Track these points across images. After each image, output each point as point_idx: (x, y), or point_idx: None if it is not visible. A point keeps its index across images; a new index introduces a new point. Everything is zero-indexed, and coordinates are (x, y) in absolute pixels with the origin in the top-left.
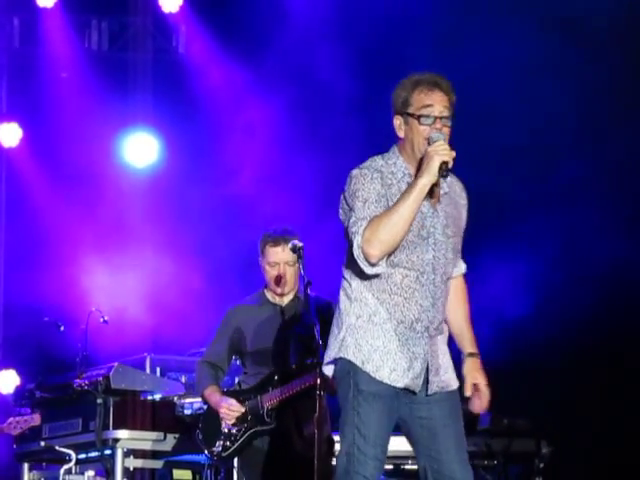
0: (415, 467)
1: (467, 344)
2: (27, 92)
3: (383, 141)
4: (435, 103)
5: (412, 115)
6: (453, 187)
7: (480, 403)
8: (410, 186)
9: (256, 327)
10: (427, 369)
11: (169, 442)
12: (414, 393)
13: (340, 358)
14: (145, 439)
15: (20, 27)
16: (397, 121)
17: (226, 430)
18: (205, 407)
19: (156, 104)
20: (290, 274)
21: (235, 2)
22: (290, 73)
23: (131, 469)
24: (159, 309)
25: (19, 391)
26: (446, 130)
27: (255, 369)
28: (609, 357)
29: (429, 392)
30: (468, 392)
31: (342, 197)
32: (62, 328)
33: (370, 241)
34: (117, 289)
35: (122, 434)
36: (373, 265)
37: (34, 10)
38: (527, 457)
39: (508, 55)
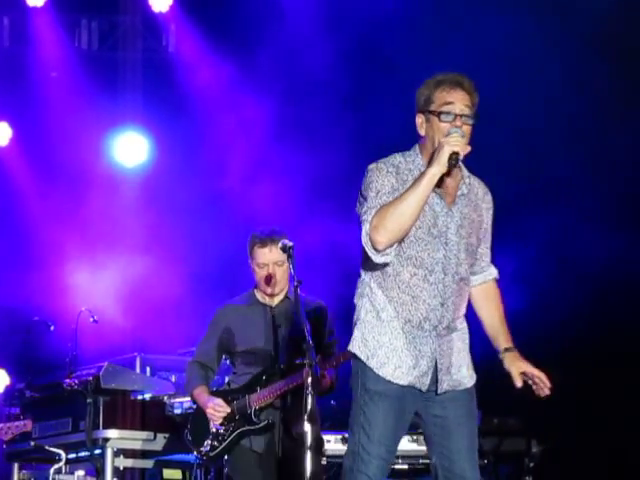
0: (405, 467)
1: (502, 341)
2: (17, 91)
3: (373, 138)
4: (456, 101)
5: (433, 112)
6: (474, 190)
7: (541, 385)
8: (419, 175)
9: (245, 327)
10: (437, 368)
11: (159, 442)
12: (421, 391)
13: (352, 355)
14: (135, 439)
15: (10, 26)
16: (419, 119)
17: (214, 430)
18: (195, 407)
19: (146, 103)
20: (280, 274)
21: (224, 1)
22: (279, 71)
23: (121, 468)
24: (148, 308)
25: (9, 391)
26: (466, 128)
27: (244, 369)
28: (600, 356)
29: (439, 391)
30: (519, 383)
31: (359, 192)
32: (52, 328)
33: (377, 228)
34: (106, 288)
35: (112, 434)
36: (380, 252)
37: (24, 9)
38: (517, 456)
39: (499, 50)
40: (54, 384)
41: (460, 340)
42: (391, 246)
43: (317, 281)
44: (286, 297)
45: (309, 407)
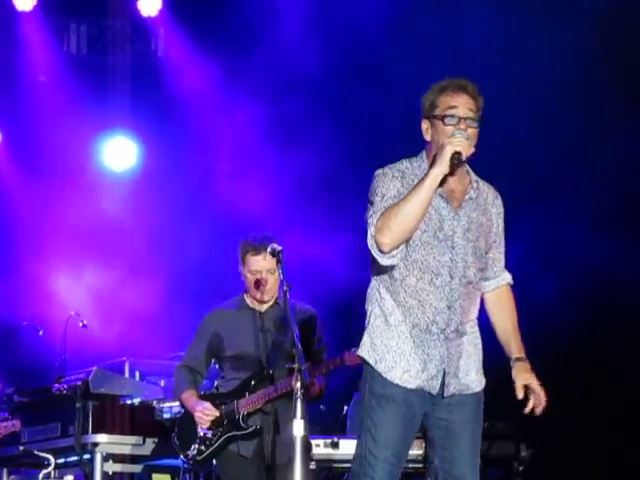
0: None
1: (514, 350)
2: (5, 96)
3: (363, 142)
4: (460, 105)
5: (437, 117)
6: (483, 194)
7: (537, 402)
8: (422, 177)
9: (234, 332)
10: (445, 371)
11: (148, 446)
12: (430, 394)
13: (362, 360)
14: (124, 443)
15: None
16: (424, 125)
17: (201, 434)
18: (183, 411)
19: (135, 108)
20: (272, 281)
21: (214, 6)
22: (267, 75)
23: (110, 473)
24: (137, 313)
25: None
26: (471, 131)
27: (233, 374)
28: (589, 359)
29: (445, 394)
30: (520, 395)
31: (367, 199)
32: (41, 332)
33: (381, 229)
34: (94, 293)
35: (101, 438)
36: (385, 254)
37: (12, 13)
38: (506, 460)
39: (487, 51)
40: (43, 389)
41: (471, 344)
42: (396, 248)
43: (306, 286)
44: (276, 303)
45: (299, 411)
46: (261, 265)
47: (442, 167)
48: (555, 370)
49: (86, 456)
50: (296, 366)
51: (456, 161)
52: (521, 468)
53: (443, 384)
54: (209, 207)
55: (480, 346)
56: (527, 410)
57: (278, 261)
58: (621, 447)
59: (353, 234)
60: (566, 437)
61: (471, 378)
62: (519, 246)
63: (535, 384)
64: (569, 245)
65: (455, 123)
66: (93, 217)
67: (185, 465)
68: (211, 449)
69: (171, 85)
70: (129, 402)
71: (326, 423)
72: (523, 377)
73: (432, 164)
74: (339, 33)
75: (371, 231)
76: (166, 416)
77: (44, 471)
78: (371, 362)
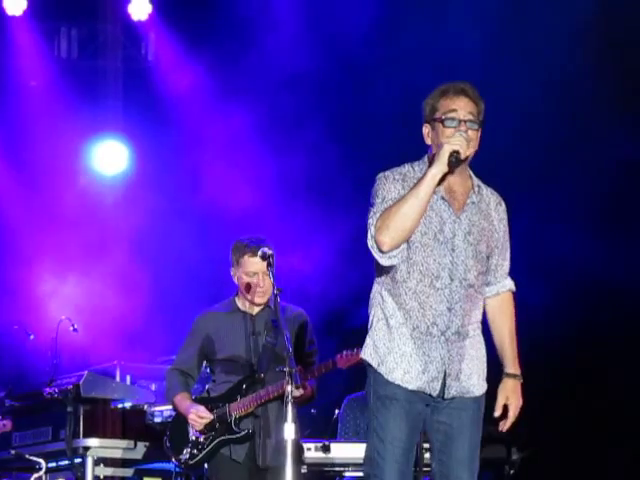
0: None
1: (507, 364)
2: None
3: (354, 143)
4: (460, 108)
5: (438, 120)
6: (486, 199)
7: (503, 424)
8: (421, 176)
9: (226, 335)
10: (446, 373)
11: (139, 450)
12: (431, 396)
13: (365, 362)
14: (115, 447)
15: None
16: (425, 129)
17: (194, 438)
18: (174, 414)
19: (125, 112)
20: (268, 284)
21: (204, 10)
22: (258, 79)
23: (101, 477)
24: (128, 316)
25: None
26: (471, 133)
27: (224, 377)
28: (579, 362)
29: (446, 396)
30: (497, 412)
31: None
32: (32, 337)
33: (380, 229)
34: (85, 297)
35: (92, 442)
36: (385, 253)
37: (2, 18)
38: (498, 464)
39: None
40: (34, 393)
41: (473, 348)
42: (396, 247)
43: (296, 288)
44: (267, 305)
45: (290, 415)
46: (258, 267)
47: (440, 166)
48: (547, 375)
49: (77, 460)
50: (287, 369)
51: (454, 159)
52: (512, 472)
53: (444, 386)
54: (200, 210)
55: (484, 351)
56: (500, 428)
57: (269, 264)
58: (613, 451)
59: (342, 234)
60: (557, 441)
61: (472, 382)
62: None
63: (513, 408)
64: (555, 247)
65: (455, 126)
66: (84, 221)
67: (178, 469)
68: (203, 453)
69: (162, 89)
70: (120, 406)
71: (317, 427)
72: (505, 396)
73: (431, 165)
74: (329, 35)
75: (371, 231)
76: (157, 420)
77: (35, 475)
78: (373, 364)
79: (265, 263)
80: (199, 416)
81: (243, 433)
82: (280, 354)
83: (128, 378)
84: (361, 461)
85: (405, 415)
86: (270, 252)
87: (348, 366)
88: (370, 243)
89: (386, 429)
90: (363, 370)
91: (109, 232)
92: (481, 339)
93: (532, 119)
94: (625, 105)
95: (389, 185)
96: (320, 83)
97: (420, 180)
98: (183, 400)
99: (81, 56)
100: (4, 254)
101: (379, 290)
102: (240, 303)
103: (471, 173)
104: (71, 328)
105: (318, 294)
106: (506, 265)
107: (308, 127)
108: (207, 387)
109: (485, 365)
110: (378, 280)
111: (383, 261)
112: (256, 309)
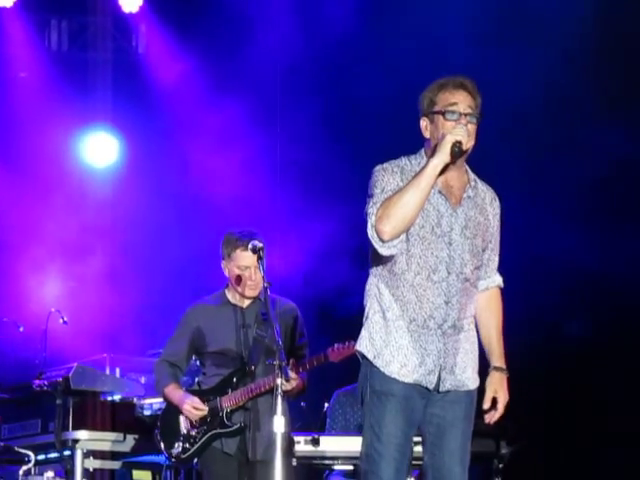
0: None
1: (494, 358)
2: None
3: (348, 132)
4: (460, 102)
5: (438, 112)
6: (481, 194)
7: (490, 417)
8: (423, 166)
9: (216, 328)
10: (442, 366)
11: (129, 443)
12: (427, 389)
13: (360, 355)
14: (105, 440)
15: None
16: (423, 122)
17: (185, 431)
18: (164, 407)
19: (116, 104)
20: (258, 278)
21: (194, 3)
22: (249, 70)
23: (91, 470)
24: (118, 309)
25: None
26: (471, 127)
27: (214, 370)
28: (569, 356)
29: (441, 389)
30: (486, 405)
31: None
32: (22, 329)
33: (381, 218)
34: (74, 289)
35: (81, 435)
36: (385, 242)
37: None
38: (487, 458)
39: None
40: (23, 385)
41: (468, 342)
42: (396, 237)
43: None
44: (257, 298)
45: (279, 408)
46: (250, 261)
47: (442, 156)
48: (536, 369)
49: (66, 452)
50: (277, 362)
51: (457, 149)
52: (501, 465)
53: (439, 380)
54: (191, 202)
55: (477, 345)
56: (486, 420)
57: (259, 258)
58: (601, 445)
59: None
60: (546, 435)
61: (467, 375)
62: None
63: (501, 401)
64: (548, 240)
65: (456, 119)
66: (74, 213)
67: (168, 462)
68: (195, 447)
69: (152, 81)
70: (110, 398)
71: (306, 420)
72: (493, 389)
73: (432, 154)
74: (320, 26)
75: (371, 221)
76: (147, 413)
77: (24, 467)
78: (369, 356)
79: (256, 257)
80: (194, 407)
81: (235, 427)
82: (270, 347)
83: (117, 371)
84: (350, 454)
85: (402, 411)
86: (261, 245)
87: (340, 359)
88: (370, 232)
89: (382, 425)
90: (352, 362)
91: (98, 224)
92: (474, 333)
93: (521, 115)
94: (616, 101)
95: (388, 177)
96: (313, 74)
97: (421, 170)
98: (175, 390)
99: (71, 48)
100: None
101: (375, 283)
102: (230, 296)
103: (467, 168)
104: (61, 320)
105: (306, 284)
106: (496, 260)
107: (301, 119)
108: (197, 380)
109: (477, 359)
110: (374, 272)
111: (383, 251)
112: (246, 302)
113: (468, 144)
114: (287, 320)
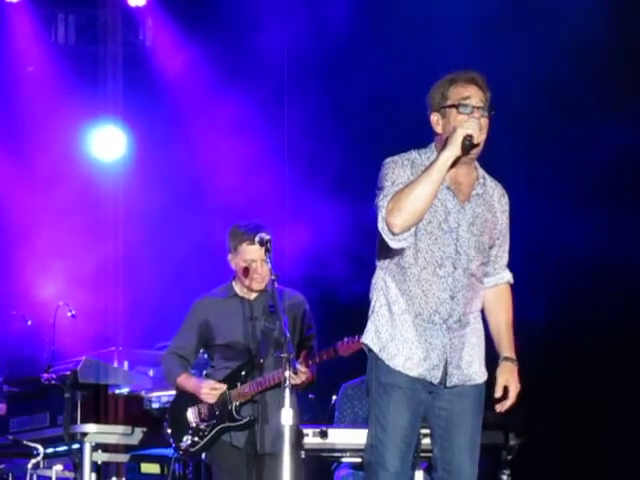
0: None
1: (504, 349)
2: None
3: (355, 124)
4: (472, 95)
5: (451, 106)
6: (490, 191)
7: (502, 406)
8: (434, 159)
9: (224, 320)
10: (447, 361)
11: (137, 436)
12: (432, 384)
13: (366, 347)
14: (113, 433)
15: None
16: (434, 117)
17: (194, 425)
18: (172, 400)
19: (123, 98)
20: (266, 271)
21: None
22: (257, 65)
23: (99, 463)
24: (126, 302)
25: None
26: (483, 120)
27: (223, 363)
28: (575, 348)
29: (448, 384)
30: (498, 394)
31: (376, 188)
32: (30, 322)
33: (392, 211)
34: (83, 283)
35: (90, 428)
36: (396, 235)
37: (0, 4)
38: (495, 449)
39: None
40: (32, 379)
41: (474, 336)
42: (407, 230)
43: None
44: (264, 290)
45: (287, 400)
46: (257, 254)
47: (453, 149)
48: (545, 361)
49: (75, 446)
50: (284, 355)
51: (468, 143)
52: (510, 457)
53: (446, 374)
54: (199, 196)
55: (483, 338)
56: (497, 409)
57: (267, 250)
58: (610, 437)
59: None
60: (555, 427)
61: (474, 369)
62: None
63: (513, 391)
64: (549, 227)
65: (469, 112)
66: (82, 206)
67: (176, 455)
68: (205, 440)
69: (159, 75)
70: (118, 392)
71: (314, 412)
72: (505, 378)
73: (443, 147)
74: (329, 16)
75: (382, 214)
76: (155, 406)
77: (33, 461)
78: (375, 349)
79: (263, 249)
80: (212, 388)
81: (245, 420)
82: (279, 339)
83: (126, 364)
84: (359, 447)
85: (407, 402)
86: (267, 237)
87: (350, 353)
88: (381, 225)
89: (387, 416)
90: (361, 355)
91: (107, 218)
92: (481, 327)
93: (526, 109)
94: (622, 95)
95: (398, 170)
96: (322, 68)
97: (432, 163)
98: (188, 378)
99: (78, 42)
100: (2, 240)
101: (382, 276)
102: (238, 288)
103: (477, 164)
104: (69, 314)
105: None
106: (505, 257)
107: (309, 110)
108: (205, 372)
109: (484, 353)
110: (381, 265)
111: (393, 244)
112: (253, 294)
113: (480, 138)
114: (295, 312)
